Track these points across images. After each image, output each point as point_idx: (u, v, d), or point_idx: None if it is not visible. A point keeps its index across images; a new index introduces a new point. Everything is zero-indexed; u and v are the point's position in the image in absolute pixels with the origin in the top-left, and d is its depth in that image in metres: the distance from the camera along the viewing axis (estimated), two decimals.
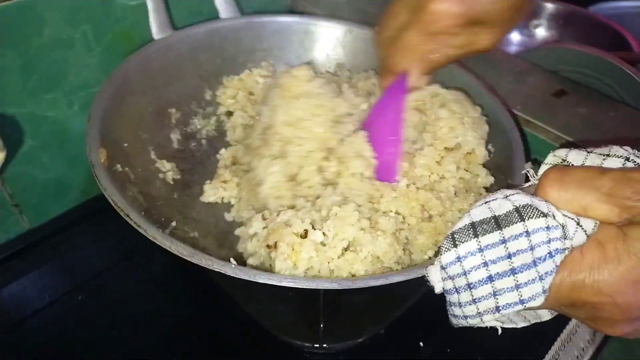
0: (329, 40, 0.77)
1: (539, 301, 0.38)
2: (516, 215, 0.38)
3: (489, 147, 0.62)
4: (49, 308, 0.62)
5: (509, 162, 0.58)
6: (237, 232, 0.57)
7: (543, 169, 0.46)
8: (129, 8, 0.67)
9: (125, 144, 0.60)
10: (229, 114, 0.73)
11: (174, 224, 0.56)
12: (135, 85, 0.64)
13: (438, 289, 0.43)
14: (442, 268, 0.41)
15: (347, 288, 0.43)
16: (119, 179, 0.53)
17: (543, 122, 0.67)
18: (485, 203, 0.41)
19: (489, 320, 0.41)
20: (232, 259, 0.45)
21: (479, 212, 0.40)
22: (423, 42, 0.51)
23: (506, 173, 0.58)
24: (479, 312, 0.40)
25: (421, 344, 0.59)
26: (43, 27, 0.59)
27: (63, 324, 0.60)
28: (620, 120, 0.69)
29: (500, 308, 0.39)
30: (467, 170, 0.58)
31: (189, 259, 0.44)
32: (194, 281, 0.66)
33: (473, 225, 0.40)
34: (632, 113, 0.71)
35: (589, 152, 0.43)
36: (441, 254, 0.41)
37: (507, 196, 0.40)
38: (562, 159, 0.44)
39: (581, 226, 0.39)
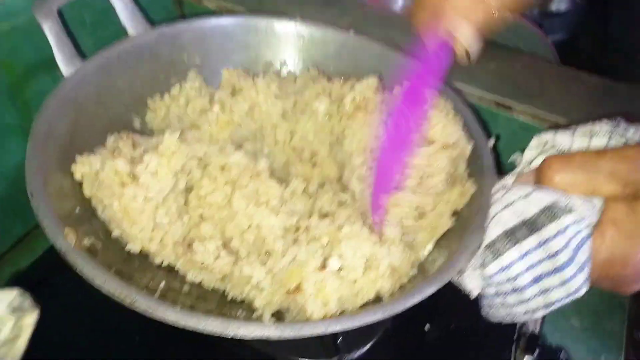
0: (251, 39, 0.72)
1: (585, 289, 0.41)
2: (546, 216, 0.41)
3: None
4: None
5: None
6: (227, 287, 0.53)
7: (528, 154, 0.49)
8: (2, 34, 0.58)
9: (78, 208, 0.52)
10: None
11: (162, 285, 0.51)
12: (60, 137, 0.55)
13: (474, 295, 0.45)
14: (487, 277, 0.43)
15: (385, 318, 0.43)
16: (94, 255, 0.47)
17: (465, 83, 0.69)
18: (507, 207, 0.43)
19: (540, 315, 0.43)
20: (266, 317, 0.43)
21: (507, 219, 0.42)
22: None
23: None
24: (528, 311, 0.43)
25: (426, 327, 0.62)
26: None
27: None
28: (528, 71, 0.74)
29: (552, 304, 0.42)
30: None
31: (227, 335, 0.41)
32: None
33: (507, 233, 0.42)
34: (535, 62, 0.77)
35: (573, 133, 0.46)
36: (484, 267, 0.42)
37: (526, 196, 0.42)
38: (547, 142, 0.47)
39: (594, 206, 0.42)
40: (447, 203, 0.55)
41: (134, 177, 0.51)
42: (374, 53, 0.71)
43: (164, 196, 0.52)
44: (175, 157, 0.52)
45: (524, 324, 0.64)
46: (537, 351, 0.61)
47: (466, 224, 0.51)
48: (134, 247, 0.52)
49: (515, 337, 0.64)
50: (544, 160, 0.44)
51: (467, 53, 0.52)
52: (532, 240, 0.41)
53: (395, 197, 0.53)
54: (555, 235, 0.41)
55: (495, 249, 0.42)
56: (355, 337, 0.59)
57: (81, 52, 0.60)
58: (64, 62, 0.58)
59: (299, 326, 0.42)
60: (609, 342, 0.68)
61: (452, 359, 0.62)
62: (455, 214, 0.55)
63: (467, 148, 0.56)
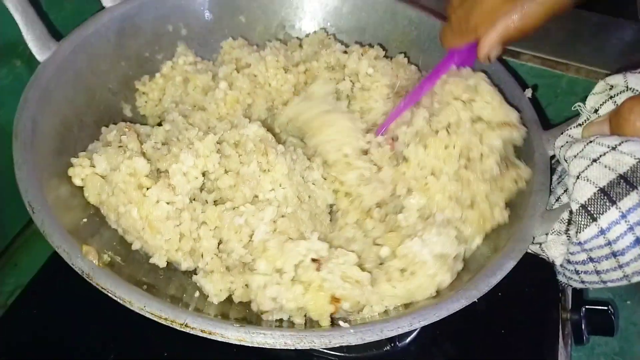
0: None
1: None
2: None
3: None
4: None
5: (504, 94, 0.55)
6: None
7: (592, 100, 0.44)
8: None
9: (84, 219, 0.44)
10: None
11: (196, 295, 0.44)
12: (49, 135, 0.46)
13: (559, 262, 0.41)
14: (579, 244, 0.38)
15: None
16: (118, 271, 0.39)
17: None
18: (595, 161, 0.38)
19: (638, 279, 0.40)
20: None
21: (599, 174, 0.37)
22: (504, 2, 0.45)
23: None
24: (626, 275, 0.39)
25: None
26: None
27: None
28: None
29: None
30: None
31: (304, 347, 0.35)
32: None
33: (603, 191, 0.37)
34: None
35: None
36: (578, 231, 0.37)
37: (614, 147, 0.38)
38: (614, 86, 0.43)
39: None
40: (502, 191, 0.49)
41: (156, 178, 0.43)
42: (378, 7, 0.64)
43: (189, 198, 0.45)
44: (212, 157, 0.45)
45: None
46: (584, 308, 0.59)
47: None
48: (159, 260, 0.44)
49: (560, 296, 0.62)
50: (624, 103, 0.39)
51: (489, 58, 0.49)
52: (634, 197, 0.36)
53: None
54: None
55: (590, 211, 0.37)
56: None
57: (56, 34, 0.51)
58: (37, 45, 0.49)
59: (379, 328, 0.37)
60: (633, 288, 0.67)
61: (503, 326, 0.59)
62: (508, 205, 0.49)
63: (521, 130, 0.50)
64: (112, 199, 0.43)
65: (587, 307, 0.59)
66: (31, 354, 0.52)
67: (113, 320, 0.54)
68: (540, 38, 0.64)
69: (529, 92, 0.54)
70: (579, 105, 0.45)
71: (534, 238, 0.43)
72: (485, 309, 0.58)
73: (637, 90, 0.41)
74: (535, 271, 0.54)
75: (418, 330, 0.56)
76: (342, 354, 0.54)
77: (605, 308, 0.58)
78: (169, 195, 0.43)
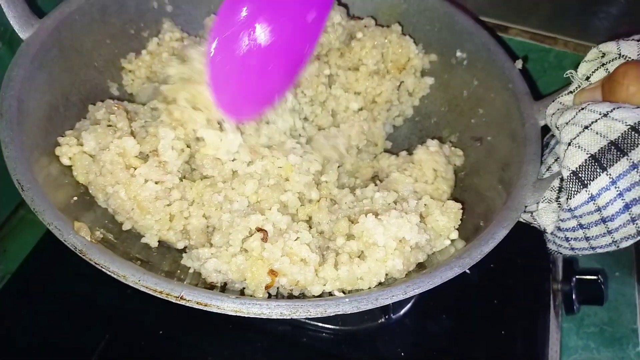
0: None
1: None
2: (636, 135, 0.36)
3: (458, 52, 0.59)
4: None
5: (492, 65, 0.55)
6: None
7: (584, 67, 0.44)
8: None
9: (75, 197, 0.43)
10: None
11: (191, 270, 0.44)
12: (35, 114, 0.45)
13: (550, 230, 0.41)
14: (569, 210, 0.38)
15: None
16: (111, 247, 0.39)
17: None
18: (587, 128, 0.38)
19: (626, 245, 0.40)
20: None
21: (590, 141, 0.38)
22: None
23: (492, 73, 0.55)
24: (615, 241, 0.39)
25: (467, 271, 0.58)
26: None
27: None
28: None
29: None
30: None
31: (299, 317, 0.35)
32: None
33: (594, 158, 0.37)
34: None
35: (638, 41, 0.42)
36: (569, 198, 0.38)
37: (606, 114, 0.38)
38: (606, 54, 0.43)
39: None
40: None
41: (144, 157, 0.43)
42: None
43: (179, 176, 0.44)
44: (190, 124, 0.44)
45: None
46: (574, 279, 0.60)
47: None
48: (151, 240, 0.44)
49: (551, 267, 0.63)
50: (618, 67, 0.39)
51: None
52: (624, 163, 0.37)
53: None
54: None
55: (580, 177, 0.38)
56: None
57: (39, 10, 0.50)
58: (19, 22, 0.48)
59: (374, 297, 0.37)
60: (621, 259, 0.68)
61: (495, 297, 0.60)
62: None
63: None
64: (99, 179, 0.43)
65: (577, 277, 0.60)
66: (22, 340, 0.52)
67: (104, 303, 0.54)
68: (528, 12, 0.63)
69: (519, 64, 0.54)
70: (571, 73, 0.45)
71: (525, 207, 0.43)
72: (478, 281, 0.60)
73: (630, 58, 0.41)
74: (526, 243, 0.55)
75: (412, 302, 0.57)
76: (337, 327, 0.55)
77: (595, 278, 0.59)
78: (159, 174, 0.42)
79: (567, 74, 0.45)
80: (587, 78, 0.44)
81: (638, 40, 0.41)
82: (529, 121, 0.49)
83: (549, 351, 0.57)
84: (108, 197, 0.43)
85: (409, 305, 0.57)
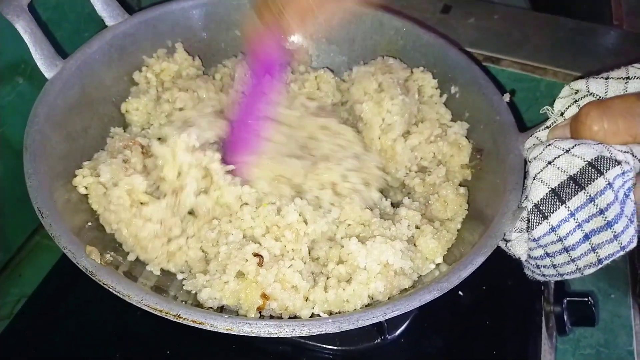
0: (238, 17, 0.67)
1: (635, 242, 0.40)
2: (592, 170, 0.39)
3: (452, 88, 0.62)
4: None
5: (482, 98, 0.58)
6: None
7: (559, 104, 0.47)
8: None
9: (90, 223, 0.48)
10: None
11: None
12: (57, 147, 0.51)
13: (524, 258, 0.44)
14: (534, 240, 0.41)
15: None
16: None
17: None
18: (550, 164, 0.41)
19: (589, 272, 0.43)
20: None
21: (552, 176, 0.41)
22: None
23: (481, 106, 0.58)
24: (579, 268, 0.42)
25: (460, 293, 0.61)
26: None
27: None
28: (507, 21, 0.74)
29: (603, 260, 0.41)
30: None
31: (285, 335, 0.38)
32: None
33: (554, 192, 0.40)
34: (512, 11, 0.77)
35: (606, 79, 0.44)
36: (531, 229, 0.41)
37: (568, 150, 0.41)
38: (579, 91, 0.46)
39: (635, 156, 0.41)
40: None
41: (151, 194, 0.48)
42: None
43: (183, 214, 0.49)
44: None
45: None
46: (565, 300, 0.62)
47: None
48: (154, 269, 0.49)
49: (542, 289, 0.65)
50: (581, 108, 0.42)
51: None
52: (581, 197, 0.40)
53: None
54: (604, 189, 0.39)
55: (541, 210, 0.41)
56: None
57: (62, 52, 0.55)
58: (45, 63, 0.53)
59: (355, 318, 0.40)
60: (616, 281, 0.69)
61: (488, 318, 0.62)
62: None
63: None
64: (106, 213, 0.47)
65: (568, 299, 0.61)
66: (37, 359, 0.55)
67: (115, 325, 0.58)
68: (519, 44, 0.67)
69: (507, 97, 0.57)
70: (547, 109, 0.48)
71: (504, 234, 0.46)
72: (471, 303, 0.62)
73: (597, 95, 0.44)
74: (517, 265, 0.57)
75: (407, 323, 0.59)
76: (335, 347, 0.57)
77: (586, 299, 0.61)
78: (167, 215, 0.47)
79: (543, 110, 0.48)
80: (562, 114, 0.47)
81: (606, 79, 0.44)
82: (513, 152, 0.52)
83: None
84: (114, 231, 0.48)
85: (404, 326, 0.60)
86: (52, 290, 0.60)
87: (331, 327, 0.39)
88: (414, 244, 0.50)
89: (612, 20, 0.75)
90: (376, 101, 0.58)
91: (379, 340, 0.58)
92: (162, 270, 0.50)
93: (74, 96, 0.54)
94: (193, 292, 0.47)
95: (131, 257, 0.49)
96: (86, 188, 0.49)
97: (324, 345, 0.57)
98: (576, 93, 0.46)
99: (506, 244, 0.45)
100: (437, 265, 0.50)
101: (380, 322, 0.56)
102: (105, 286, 0.40)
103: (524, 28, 0.72)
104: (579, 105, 0.46)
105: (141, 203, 0.49)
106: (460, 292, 0.61)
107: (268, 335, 0.38)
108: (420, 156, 0.59)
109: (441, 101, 0.63)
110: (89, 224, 0.48)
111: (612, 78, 0.44)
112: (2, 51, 0.53)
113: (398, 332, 0.59)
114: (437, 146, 0.59)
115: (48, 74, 0.53)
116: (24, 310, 0.59)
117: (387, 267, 0.45)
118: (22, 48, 0.51)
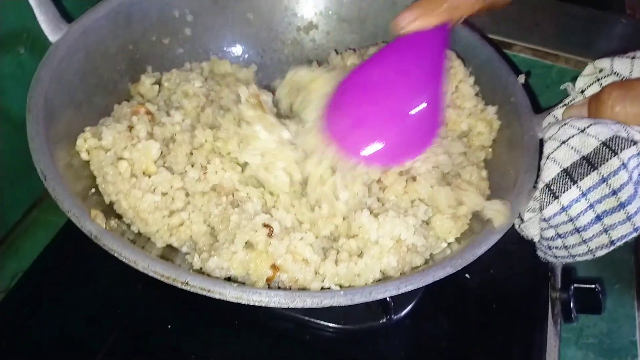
0: None
1: None
2: (607, 150, 0.38)
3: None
4: None
5: (497, 79, 0.57)
6: None
7: (581, 81, 0.46)
8: None
9: (93, 189, 0.47)
10: None
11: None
12: (60, 111, 0.49)
13: (537, 239, 0.43)
14: (545, 220, 0.40)
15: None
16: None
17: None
18: (564, 143, 0.40)
19: (602, 254, 0.42)
20: None
21: (564, 156, 0.40)
22: None
23: (496, 87, 0.57)
24: (591, 250, 0.41)
25: (467, 276, 0.60)
26: None
27: None
28: (522, 7, 0.72)
29: (615, 241, 0.40)
30: None
31: (295, 306, 0.37)
32: None
33: (566, 172, 0.39)
34: None
35: (632, 59, 0.43)
36: (542, 208, 0.40)
37: (583, 130, 0.40)
38: (602, 69, 0.45)
39: None
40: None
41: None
42: None
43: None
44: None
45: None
46: (572, 287, 0.61)
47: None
48: (157, 242, 0.47)
49: (549, 275, 0.64)
50: (604, 87, 0.41)
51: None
52: (594, 177, 0.39)
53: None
54: (618, 170, 0.39)
55: (552, 190, 0.40)
56: (402, 295, 0.57)
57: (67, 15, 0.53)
58: (49, 26, 0.51)
59: (368, 291, 0.39)
60: (620, 272, 0.69)
61: (494, 303, 0.61)
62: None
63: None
64: (103, 184, 0.46)
65: (575, 285, 0.61)
66: (33, 336, 0.54)
67: (114, 299, 0.57)
68: (531, 30, 0.66)
69: (522, 78, 0.56)
70: (569, 85, 0.47)
71: (520, 214, 0.45)
72: (477, 286, 0.61)
73: (622, 74, 0.43)
74: (525, 251, 0.56)
75: (413, 304, 0.59)
76: (340, 326, 0.57)
77: (593, 286, 0.60)
78: (158, 184, 0.46)
79: (564, 86, 0.47)
80: (582, 92, 0.46)
81: (632, 58, 0.43)
82: (528, 133, 0.51)
83: (546, 357, 0.58)
84: (113, 202, 0.47)
85: (410, 307, 0.59)
86: (49, 264, 0.59)
87: (343, 300, 0.38)
88: (427, 223, 0.49)
89: (625, 9, 0.74)
90: None
91: (384, 320, 0.58)
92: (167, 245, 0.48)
93: (78, 61, 0.52)
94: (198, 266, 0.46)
95: (134, 229, 0.48)
96: (88, 154, 0.48)
97: (328, 324, 0.56)
98: (600, 72, 0.45)
99: (519, 225, 0.44)
100: (449, 244, 0.49)
101: (386, 301, 0.56)
102: (110, 251, 0.38)
103: (536, 14, 0.71)
104: (601, 85, 0.45)
105: (144, 173, 0.47)
106: (467, 275, 0.61)
107: (278, 305, 0.37)
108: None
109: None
110: (92, 190, 0.47)
111: (638, 58, 0.43)
112: (3, 19, 0.51)
113: (404, 312, 0.58)
114: (474, 120, 0.57)
115: (52, 37, 0.51)
116: (20, 285, 0.58)
117: (399, 243, 0.44)
118: (24, 16, 0.49)
